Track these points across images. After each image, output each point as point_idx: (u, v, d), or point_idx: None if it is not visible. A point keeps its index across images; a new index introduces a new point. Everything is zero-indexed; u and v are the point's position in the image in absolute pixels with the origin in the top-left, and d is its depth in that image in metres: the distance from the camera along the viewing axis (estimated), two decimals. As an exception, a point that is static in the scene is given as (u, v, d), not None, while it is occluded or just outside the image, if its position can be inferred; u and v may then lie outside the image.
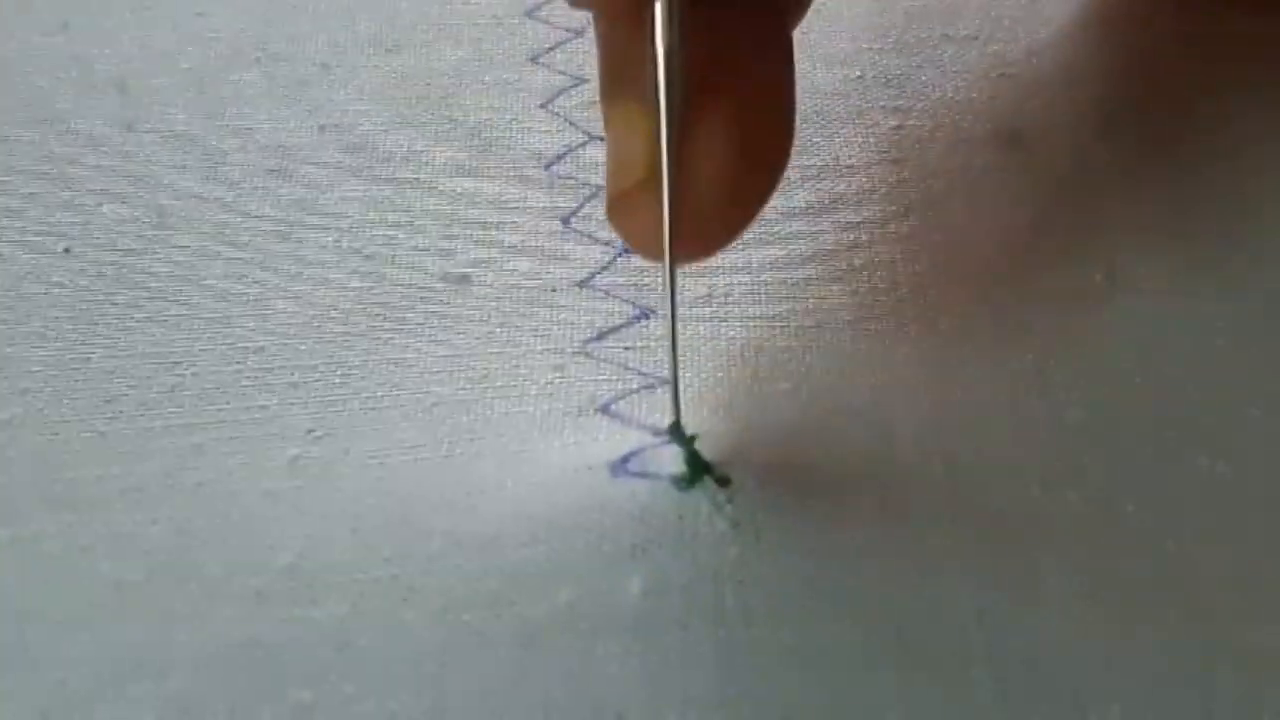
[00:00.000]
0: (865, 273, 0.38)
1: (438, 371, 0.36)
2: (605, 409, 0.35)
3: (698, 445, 0.33)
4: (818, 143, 0.42)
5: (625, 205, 0.32)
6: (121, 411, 0.35)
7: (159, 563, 0.32)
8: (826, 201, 0.40)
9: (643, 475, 0.33)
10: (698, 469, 0.32)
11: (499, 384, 0.36)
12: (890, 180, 0.41)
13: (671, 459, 0.33)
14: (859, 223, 0.40)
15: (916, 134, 0.42)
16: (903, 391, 0.35)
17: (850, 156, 0.42)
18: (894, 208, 0.40)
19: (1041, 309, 0.37)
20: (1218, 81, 0.44)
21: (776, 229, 0.40)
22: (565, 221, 0.40)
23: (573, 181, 0.42)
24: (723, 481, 0.32)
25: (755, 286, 0.38)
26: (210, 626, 0.31)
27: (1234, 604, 0.31)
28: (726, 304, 0.38)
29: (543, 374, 0.36)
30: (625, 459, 0.33)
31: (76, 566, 0.32)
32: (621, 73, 0.32)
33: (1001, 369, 0.36)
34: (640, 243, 0.32)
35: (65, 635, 0.31)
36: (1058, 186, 0.40)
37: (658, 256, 0.31)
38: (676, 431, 0.33)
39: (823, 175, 0.41)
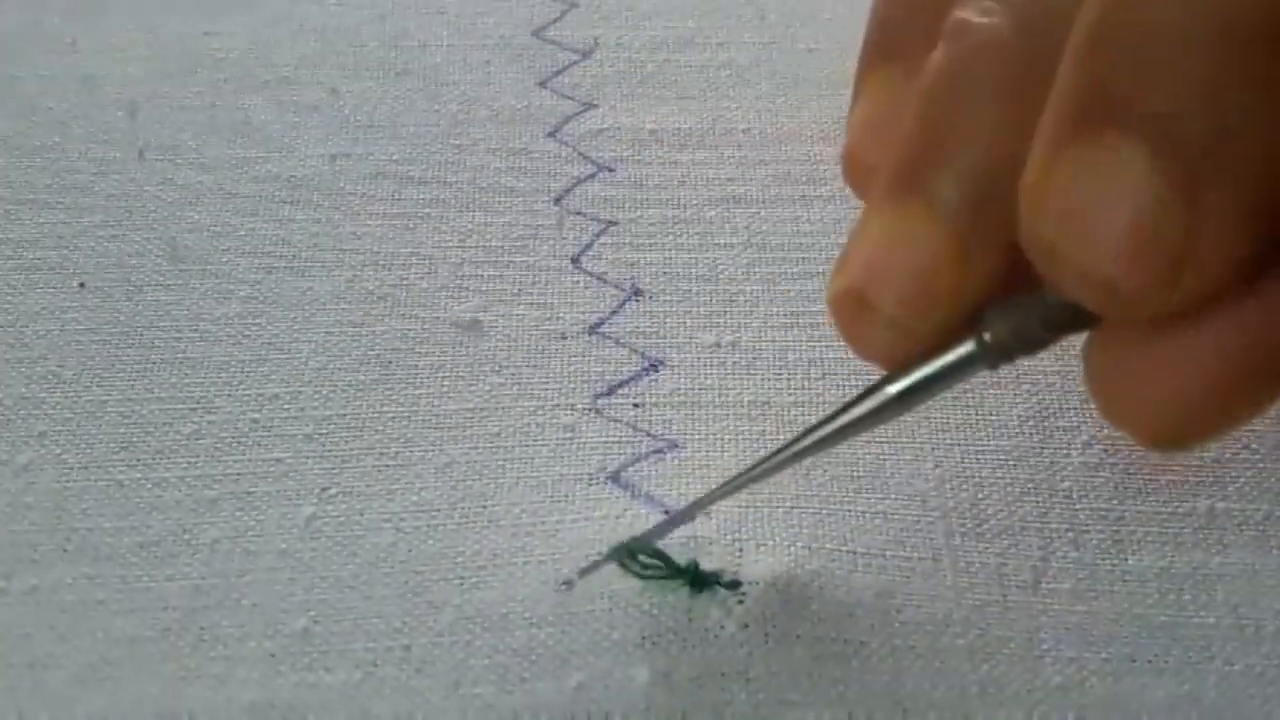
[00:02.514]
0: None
1: (450, 428, 0.36)
2: (615, 477, 0.35)
3: (700, 547, 0.33)
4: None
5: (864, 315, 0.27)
6: (139, 460, 0.36)
7: (174, 620, 0.32)
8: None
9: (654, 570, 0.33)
10: (703, 585, 0.32)
11: (510, 444, 0.36)
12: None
13: (680, 549, 0.33)
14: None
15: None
16: (905, 449, 0.36)
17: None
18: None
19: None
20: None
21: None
22: (575, 261, 0.41)
23: (581, 217, 0.42)
24: (732, 586, 0.32)
25: (762, 333, 0.38)
26: (224, 688, 0.31)
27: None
28: (735, 353, 0.38)
29: (553, 434, 0.36)
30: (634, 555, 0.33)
31: (91, 620, 0.33)
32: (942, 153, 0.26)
33: (1004, 418, 0.36)
34: (867, 354, 0.28)
35: (78, 689, 0.31)
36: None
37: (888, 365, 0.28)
38: (673, 566, 0.33)
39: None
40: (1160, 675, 0.31)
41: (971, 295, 0.26)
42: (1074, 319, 0.26)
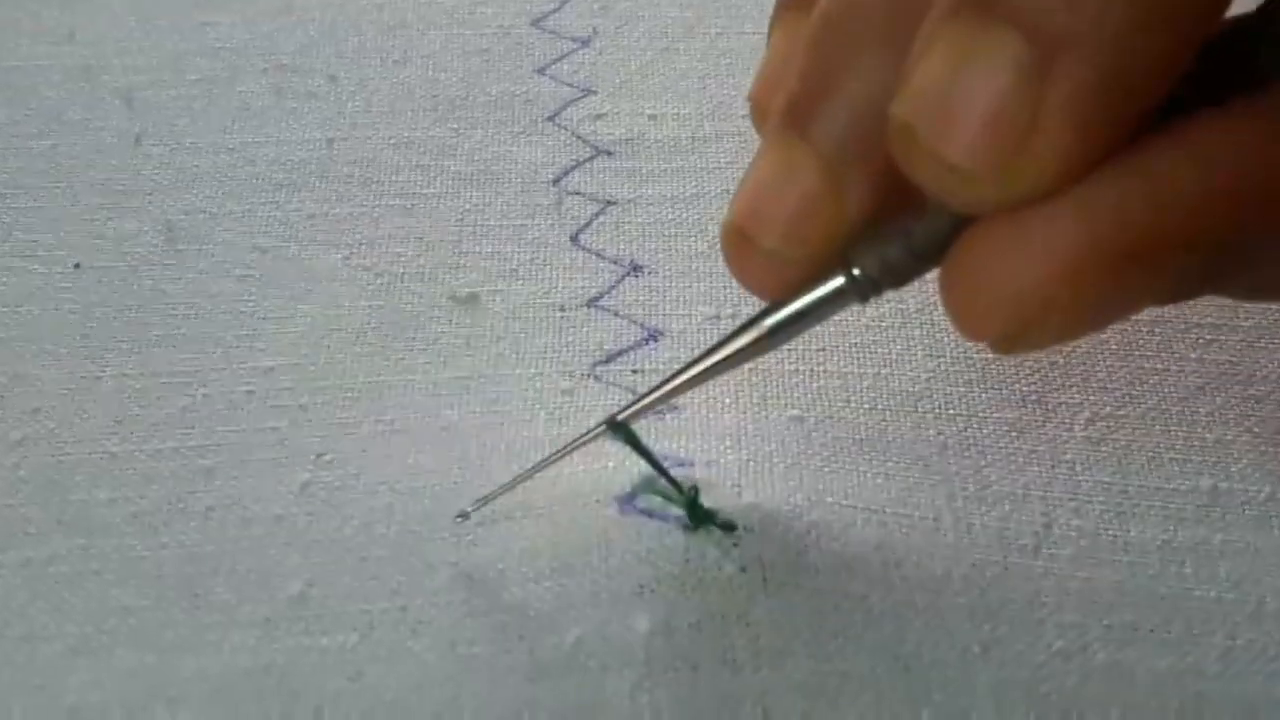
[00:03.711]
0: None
1: (446, 394, 0.36)
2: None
3: (700, 492, 0.33)
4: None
5: (751, 249, 0.28)
6: (132, 433, 0.36)
7: (169, 588, 0.32)
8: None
9: (649, 514, 0.32)
10: (700, 518, 0.32)
11: (507, 408, 0.36)
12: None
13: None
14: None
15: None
16: (908, 417, 0.35)
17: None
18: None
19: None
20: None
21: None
22: (574, 238, 0.40)
23: (580, 197, 0.42)
24: (728, 528, 0.32)
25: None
26: (220, 654, 0.31)
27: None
28: (735, 323, 0.38)
29: (551, 398, 0.36)
30: (632, 496, 0.33)
31: (87, 590, 0.32)
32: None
33: (1007, 393, 0.36)
34: (751, 284, 0.29)
35: (75, 660, 0.31)
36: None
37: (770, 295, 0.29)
38: (673, 484, 0.32)
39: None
40: (1163, 646, 0.31)
41: (847, 229, 0.27)
42: (937, 244, 0.26)
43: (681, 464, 0.33)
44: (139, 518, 0.33)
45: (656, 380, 0.33)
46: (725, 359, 0.29)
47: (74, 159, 0.44)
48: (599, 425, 0.31)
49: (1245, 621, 0.31)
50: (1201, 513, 0.34)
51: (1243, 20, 0.26)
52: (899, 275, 0.27)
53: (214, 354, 0.37)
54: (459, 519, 0.32)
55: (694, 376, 0.30)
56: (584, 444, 0.31)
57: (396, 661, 0.30)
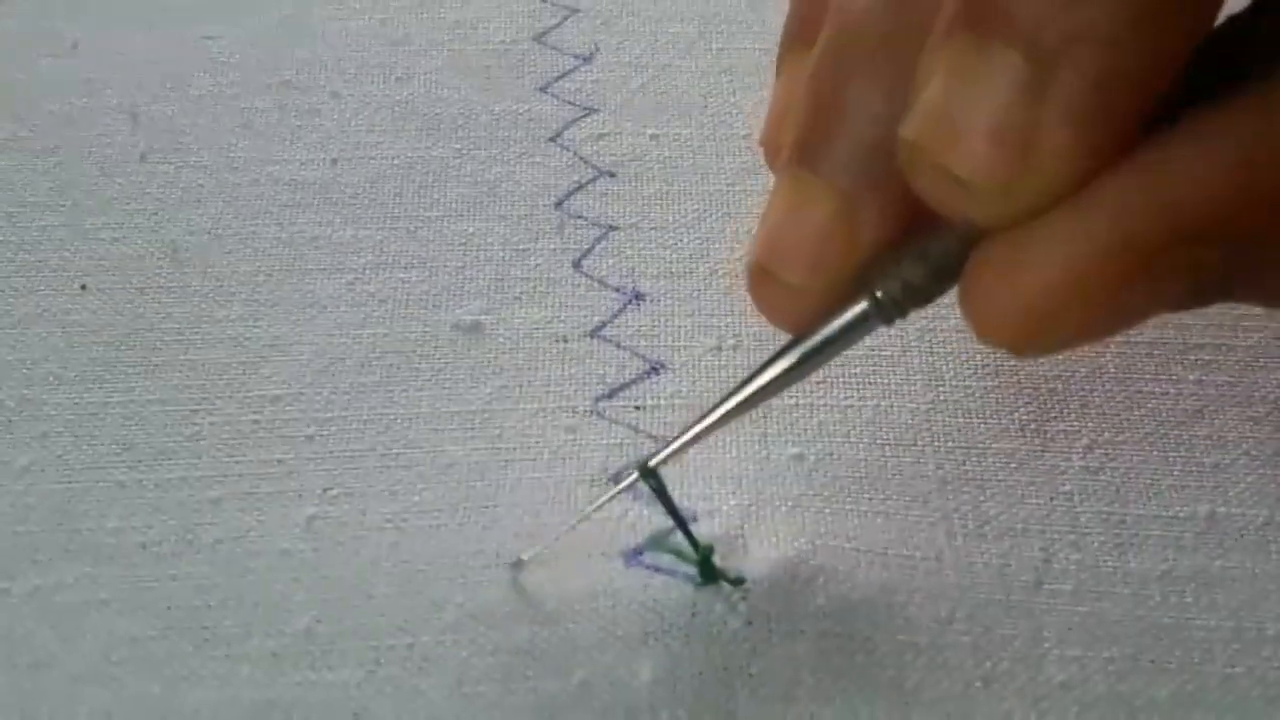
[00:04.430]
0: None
1: (452, 429, 0.37)
2: (617, 479, 0.35)
3: (709, 545, 0.33)
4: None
5: (773, 284, 0.29)
6: (140, 460, 0.36)
7: (176, 619, 0.33)
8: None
9: (656, 569, 0.33)
10: (710, 575, 0.32)
11: (512, 445, 0.36)
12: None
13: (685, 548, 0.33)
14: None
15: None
16: (907, 451, 0.36)
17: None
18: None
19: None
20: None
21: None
22: (576, 265, 0.41)
23: (582, 221, 0.42)
24: (736, 583, 0.33)
25: (762, 336, 0.38)
26: (227, 687, 0.31)
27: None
28: (736, 355, 0.38)
29: (555, 435, 0.36)
30: (639, 551, 0.33)
31: (94, 619, 0.33)
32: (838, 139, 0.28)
33: (1006, 421, 0.36)
34: (776, 319, 0.30)
35: (81, 689, 0.31)
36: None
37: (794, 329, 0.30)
38: (691, 541, 0.33)
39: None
40: (1163, 675, 0.31)
41: (865, 255, 0.28)
42: (954, 261, 0.27)
43: (689, 519, 0.33)
44: (147, 548, 0.34)
45: (659, 417, 0.33)
46: (754, 394, 0.30)
47: (80, 175, 0.44)
48: (632, 472, 0.32)
49: (1246, 648, 0.32)
50: (1200, 540, 0.34)
51: (1236, 18, 0.27)
52: (921, 295, 0.28)
53: (219, 381, 0.37)
54: (514, 565, 0.33)
55: (723, 415, 0.31)
56: (621, 492, 0.32)
57: (403, 699, 0.31)
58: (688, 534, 0.32)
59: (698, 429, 0.31)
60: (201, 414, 0.37)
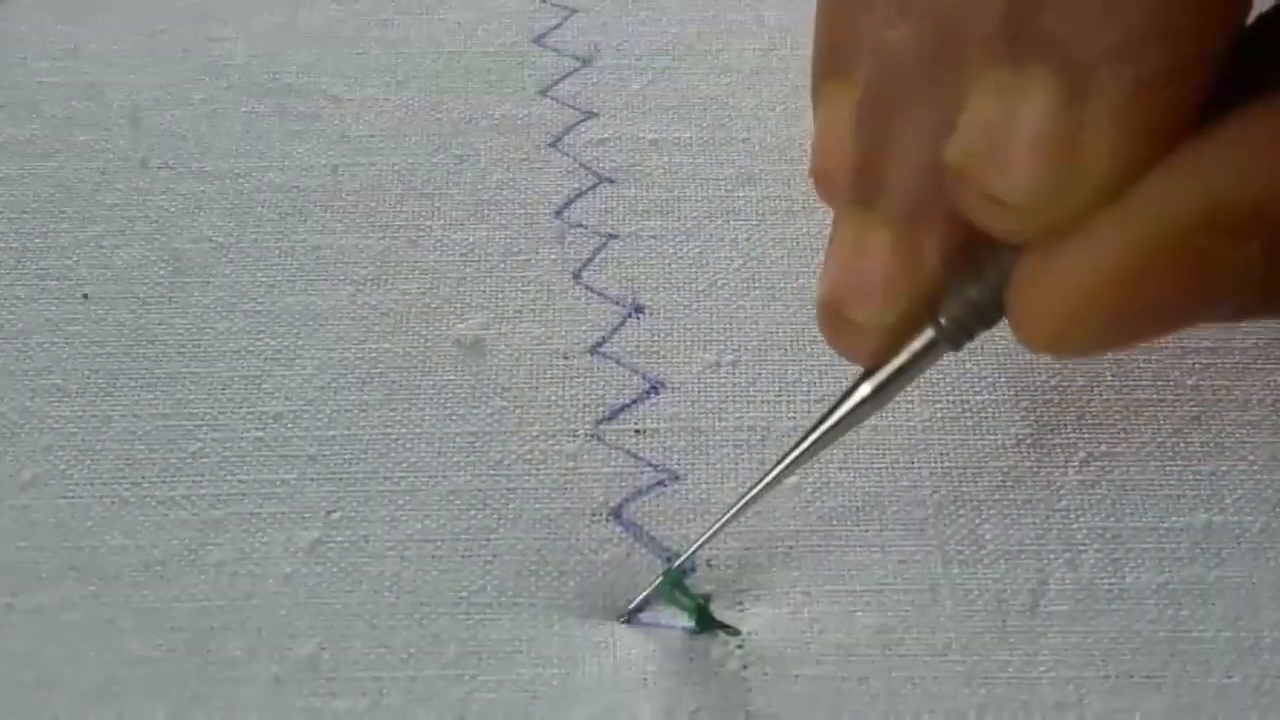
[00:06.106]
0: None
1: (453, 453, 0.37)
2: (618, 514, 0.35)
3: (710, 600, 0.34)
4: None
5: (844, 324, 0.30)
6: (144, 477, 0.36)
7: (181, 641, 0.33)
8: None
9: (655, 625, 0.33)
10: (707, 625, 0.33)
11: (512, 474, 0.36)
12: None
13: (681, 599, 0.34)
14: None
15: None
16: (904, 475, 0.36)
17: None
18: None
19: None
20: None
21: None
22: (576, 276, 0.41)
23: (583, 230, 0.42)
24: (733, 633, 0.33)
25: (761, 351, 0.39)
26: (231, 711, 0.32)
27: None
28: (735, 373, 0.38)
29: (556, 463, 0.37)
30: (638, 610, 0.34)
31: (98, 639, 0.33)
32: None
33: (1002, 437, 0.37)
34: (851, 356, 0.31)
35: (86, 709, 0.32)
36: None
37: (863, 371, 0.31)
38: (685, 594, 0.34)
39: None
40: (1159, 689, 0.32)
41: (929, 285, 0.29)
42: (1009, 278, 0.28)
43: (688, 570, 0.34)
44: (151, 567, 0.34)
45: (658, 442, 0.34)
46: (830, 430, 0.31)
47: (81, 181, 0.43)
48: (658, 577, 0.34)
49: (1241, 659, 0.32)
50: (1196, 550, 0.35)
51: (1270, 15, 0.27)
52: (984, 316, 0.29)
53: (222, 396, 0.38)
54: (622, 621, 0.34)
55: (799, 456, 0.32)
56: (652, 590, 0.33)
57: None
58: (684, 591, 0.33)
59: (754, 492, 0.33)
60: (204, 430, 0.37)
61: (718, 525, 0.33)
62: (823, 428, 0.31)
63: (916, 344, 0.29)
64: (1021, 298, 0.27)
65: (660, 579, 0.33)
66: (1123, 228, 0.25)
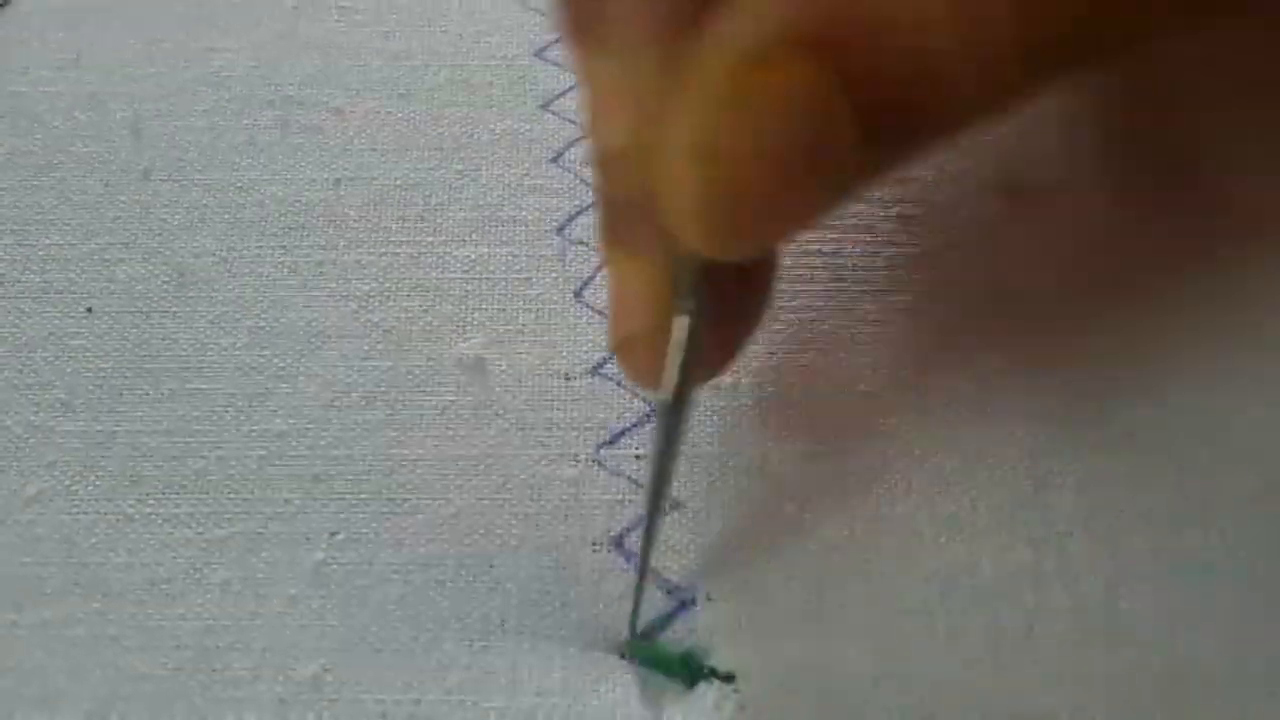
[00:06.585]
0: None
1: (454, 475, 0.37)
2: (619, 544, 0.36)
3: (694, 654, 0.34)
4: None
5: (631, 348, 0.33)
6: (148, 494, 0.36)
7: (185, 659, 0.33)
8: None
9: (649, 666, 0.34)
10: (697, 677, 0.34)
11: (515, 498, 0.37)
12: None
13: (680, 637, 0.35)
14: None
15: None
16: (900, 503, 0.37)
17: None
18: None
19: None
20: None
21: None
22: (578, 295, 0.41)
23: (584, 247, 0.42)
24: (727, 679, 0.33)
25: (759, 371, 0.39)
26: (236, 731, 0.32)
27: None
28: (734, 394, 0.39)
29: (557, 489, 0.37)
30: (629, 655, 0.34)
31: (103, 656, 0.33)
32: (622, 217, 0.32)
33: (1003, 473, 0.37)
34: (645, 381, 0.33)
35: None
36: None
37: (658, 391, 0.32)
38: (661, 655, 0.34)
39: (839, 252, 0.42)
40: (1152, 716, 0.32)
41: (667, 288, 0.31)
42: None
43: (685, 604, 0.34)
44: (155, 585, 0.34)
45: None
46: (666, 450, 0.32)
47: (84, 193, 0.44)
48: (622, 655, 0.34)
49: (1238, 685, 0.33)
50: (1190, 569, 0.35)
51: None
52: (702, 275, 0.30)
53: (226, 413, 0.38)
54: (622, 658, 0.34)
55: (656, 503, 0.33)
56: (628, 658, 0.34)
57: None
58: (659, 653, 0.34)
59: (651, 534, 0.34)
60: (209, 447, 0.37)
61: (639, 580, 0.34)
62: (657, 451, 0.32)
63: (678, 332, 0.30)
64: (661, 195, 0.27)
65: (624, 654, 0.34)
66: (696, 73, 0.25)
